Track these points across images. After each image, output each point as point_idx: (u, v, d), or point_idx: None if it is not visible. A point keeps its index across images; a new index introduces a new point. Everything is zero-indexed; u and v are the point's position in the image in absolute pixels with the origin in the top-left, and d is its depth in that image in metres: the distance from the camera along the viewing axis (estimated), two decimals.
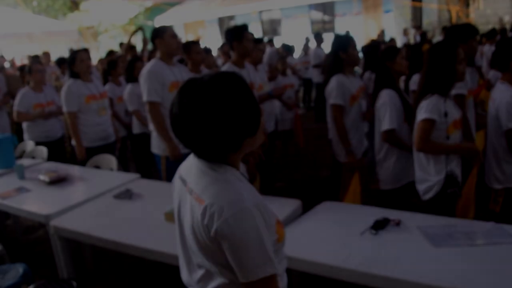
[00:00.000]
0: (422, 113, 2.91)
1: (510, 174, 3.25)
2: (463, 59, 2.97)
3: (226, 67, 4.20)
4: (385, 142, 3.58)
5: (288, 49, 10.36)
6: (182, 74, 4.07)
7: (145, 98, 3.91)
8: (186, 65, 4.74)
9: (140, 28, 7.54)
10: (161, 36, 3.95)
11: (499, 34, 9.83)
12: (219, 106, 1.30)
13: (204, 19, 24.62)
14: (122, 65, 6.26)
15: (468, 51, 3.80)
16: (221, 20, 24.04)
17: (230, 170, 1.41)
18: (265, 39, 10.03)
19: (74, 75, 4.71)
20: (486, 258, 2.29)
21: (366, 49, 5.82)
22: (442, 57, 2.93)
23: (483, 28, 16.63)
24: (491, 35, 9.59)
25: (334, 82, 3.86)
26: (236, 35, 4.15)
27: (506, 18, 19.66)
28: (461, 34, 3.88)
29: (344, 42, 3.94)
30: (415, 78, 4.34)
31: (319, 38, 10.12)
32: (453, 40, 3.75)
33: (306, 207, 3.13)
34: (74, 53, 4.76)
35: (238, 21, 22.41)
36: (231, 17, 23.38)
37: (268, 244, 1.32)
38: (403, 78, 4.48)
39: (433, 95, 2.91)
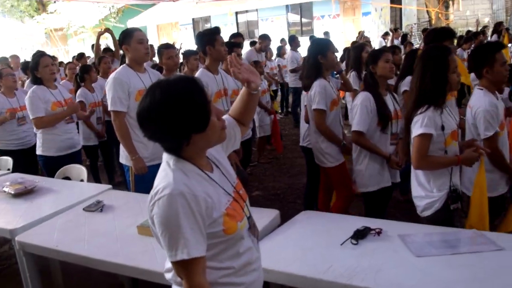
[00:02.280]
0: (417, 127, 2.78)
1: (489, 182, 3.14)
2: (456, 67, 2.84)
3: (199, 73, 4.07)
4: (354, 143, 3.63)
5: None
6: (153, 80, 3.90)
7: (109, 107, 3.76)
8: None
9: (107, 30, 7.32)
10: (128, 42, 3.74)
11: (479, 35, 9.88)
12: (167, 102, 1.51)
13: (178, 21, 24.49)
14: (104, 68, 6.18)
15: None
16: (195, 22, 23.94)
17: (182, 163, 1.60)
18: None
19: (37, 81, 4.50)
20: (469, 267, 2.24)
21: (351, 50, 5.97)
22: (433, 66, 2.79)
23: (463, 30, 16.91)
24: (467, 38, 9.66)
25: (317, 87, 3.81)
26: (208, 40, 3.99)
27: (486, 20, 20.04)
28: (437, 36, 3.92)
29: (323, 46, 3.90)
30: (408, 80, 4.31)
31: (294, 42, 9.97)
32: (429, 42, 3.76)
33: (285, 216, 3.05)
34: (36, 58, 4.54)
35: (214, 23, 22.36)
36: (206, 19, 23.30)
37: (187, 232, 1.48)
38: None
39: (429, 108, 2.78)
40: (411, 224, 2.79)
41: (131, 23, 24.17)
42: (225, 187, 1.69)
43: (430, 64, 2.80)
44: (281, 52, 11.08)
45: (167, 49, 4.72)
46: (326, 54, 3.84)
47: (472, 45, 9.24)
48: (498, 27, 11.01)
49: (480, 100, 3.12)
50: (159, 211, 1.50)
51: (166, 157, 1.65)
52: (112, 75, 3.79)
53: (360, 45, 5.85)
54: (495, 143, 3.09)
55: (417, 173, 2.95)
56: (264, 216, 2.91)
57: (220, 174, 1.73)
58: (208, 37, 4.03)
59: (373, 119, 3.48)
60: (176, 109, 1.51)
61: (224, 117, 1.88)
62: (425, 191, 2.91)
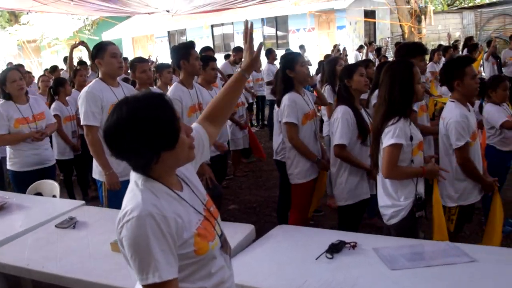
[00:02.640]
0: (389, 138, 2.86)
1: (462, 191, 3.32)
2: (420, 78, 2.99)
3: (173, 87, 4.04)
4: (336, 157, 3.61)
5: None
6: (127, 94, 3.85)
7: (82, 121, 3.71)
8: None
9: (81, 43, 7.22)
10: (101, 56, 3.70)
11: (449, 49, 10.08)
12: (134, 119, 1.47)
13: (153, 34, 24.41)
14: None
15: None
16: (171, 35, 23.89)
17: (150, 182, 1.56)
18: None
19: (6, 96, 4.38)
20: (442, 279, 2.26)
21: (326, 64, 5.87)
22: (400, 78, 2.90)
23: (435, 43, 17.25)
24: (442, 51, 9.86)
25: (286, 100, 3.78)
26: (183, 54, 3.96)
27: (457, 34, 20.47)
28: (410, 52, 3.98)
29: (290, 60, 3.87)
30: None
31: (271, 55, 10.03)
32: (402, 57, 3.84)
33: (262, 230, 3.04)
34: (4, 73, 4.42)
35: (189, 36, 22.34)
36: (181, 32, 23.27)
37: (158, 254, 1.43)
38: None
39: (399, 119, 2.87)
40: (385, 237, 2.82)
41: (106, 36, 24.01)
42: (195, 206, 1.66)
43: (397, 77, 2.90)
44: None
45: (140, 63, 4.69)
46: (295, 67, 3.79)
47: (442, 59, 9.45)
48: (468, 42, 11.27)
49: (451, 112, 3.26)
50: (128, 234, 1.45)
51: (134, 177, 1.59)
52: (84, 89, 3.75)
53: (334, 58, 5.86)
54: (466, 153, 3.22)
55: (385, 183, 3.03)
56: (238, 231, 2.90)
57: (190, 192, 1.69)
58: (182, 51, 4.00)
59: (354, 132, 3.53)
60: (144, 126, 1.47)
61: (192, 126, 1.86)
62: (392, 200, 2.99)
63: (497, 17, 20.77)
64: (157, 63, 11.00)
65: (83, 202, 3.85)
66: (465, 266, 2.36)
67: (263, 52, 12.60)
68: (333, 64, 5.26)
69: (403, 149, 2.88)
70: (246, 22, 2.05)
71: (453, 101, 3.33)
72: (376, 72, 4.34)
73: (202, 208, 1.69)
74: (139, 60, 4.79)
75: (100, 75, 3.84)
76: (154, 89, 5.16)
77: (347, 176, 3.61)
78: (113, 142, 1.51)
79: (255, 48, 2.04)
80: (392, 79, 2.92)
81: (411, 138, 2.88)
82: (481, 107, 4.87)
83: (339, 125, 3.51)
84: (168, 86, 4.85)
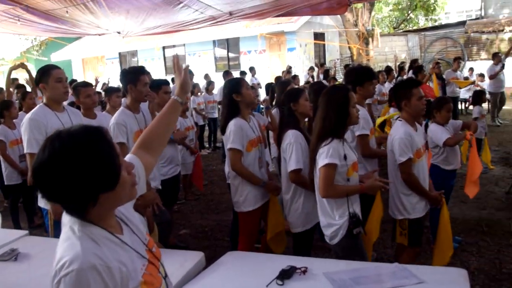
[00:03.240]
0: (323, 158, 2.95)
1: (408, 205, 3.47)
2: (355, 103, 3.11)
3: (119, 112, 3.94)
4: (292, 183, 3.56)
5: (193, 87, 10.28)
6: (72, 120, 3.72)
7: (25, 149, 3.56)
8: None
9: (21, 65, 6.95)
10: (45, 81, 3.58)
11: (391, 71, 10.45)
12: (69, 156, 1.31)
13: (104, 55, 24.05)
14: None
15: (365, 93, 3.99)
16: (122, 56, 23.62)
17: (89, 228, 1.39)
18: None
19: None
20: None
21: (277, 86, 5.67)
22: (336, 101, 3.03)
23: (382, 65, 17.77)
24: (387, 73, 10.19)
25: (232, 126, 3.70)
26: (131, 78, 3.88)
27: (403, 56, 21.20)
28: (358, 77, 4.05)
29: (236, 84, 3.82)
30: None
31: (228, 76, 10.03)
32: (351, 82, 3.92)
33: (214, 255, 2.99)
34: None
35: (141, 57, 22.15)
36: (133, 53, 23.04)
37: None
38: None
39: (332, 140, 2.98)
40: (335, 260, 2.83)
41: (55, 57, 23.51)
42: (138, 249, 1.50)
43: (333, 101, 3.04)
44: (209, 87, 11.13)
45: (84, 87, 4.56)
46: (241, 91, 3.74)
47: (386, 79, 9.80)
48: (413, 64, 11.68)
49: (397, 130, 3.46)
50: None
51: (68, 221, 1.41)
52: (27, 116, 3.62)
53: (286, 81, 5.80)
54: (409, 169, 3.39)
55: (322, 203, 3.10)
56: (188, 259, 2.85)
57: (130, 234, 1.54)
58: (131, 75, 3.92)
59: (306, 156, 3.49)
60: (81, 164, 1.31)
61: (126, 158, 1.75)
62: (329, 219, 3.07)
63: (440, 40, 21.69)
64: (108, 85, 10.83)
65: (26, 232, 3.69)
66: (414, 287, 2.39)
67: (218, 74, 12.60)
68: (285, 86, 5.05)
69: (338, 168, 2.97)
70: (174, 56, 2.10)
71: (400, 120, 3.53)
72: (309, 91, 4.35)
73: (144, 250, 1.55)
74: (83, 85, 4.65)
75: (44, 100, 3.71)
76: (101, 113, 5.05)
77: (302, 202, 3.57)
78: (43, 182, 1.34)
79: (182, 76, 2.05)
80: (327, 103, 3.06)
81: (345, 158, 2.99)
82: (426, 127, 5.02)
83: (293, 150, 3.48)
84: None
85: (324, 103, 3.08)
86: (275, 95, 5.80)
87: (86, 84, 4.67)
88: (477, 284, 3.96)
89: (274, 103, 5.62)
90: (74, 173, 1.31)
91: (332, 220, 3.05)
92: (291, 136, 3.53)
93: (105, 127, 4.22)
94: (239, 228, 3.99)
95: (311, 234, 3.71)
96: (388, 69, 10.54)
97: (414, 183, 3.43)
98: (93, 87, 4.79)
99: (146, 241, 1.60)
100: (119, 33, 10.41)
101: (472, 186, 4.64)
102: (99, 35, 10.89)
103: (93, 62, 25.05)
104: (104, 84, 12.06)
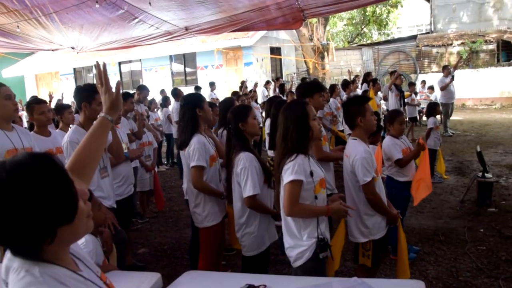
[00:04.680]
0: (288, 175, 2.81)
1: (372, 226, 3.34)
2: (315, 115, 3.01)
3: (72, 130, 3.83)
4: (248, 208, 3.40)
5: (149, 103, 10.17)
6: (22, 139, 3.60)
7: None
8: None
9: None
10: None
11: (349, 84, 10.58)
12: (18, 188, 1.13)
13: (58, 71, 23.56)
14: None
15: (316, 105, 4.01)
16: (77, 72, 23.20)
17: (49, 268, 1.21)
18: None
19: None
20: None
21: (221, 105, 5.38)
22: (294, 117, 2.91)
23: (338, 78, 18.09)
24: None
25: (195, 143, 3.65)
26: (86, 96, 3.80)
27: (357, 69, 21.65)
28: (308, 90, 4.12)
29: (199, 99, 3.83)
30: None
31: (177, 94, 9.86)
32: (301, 95, 3.94)
33: (174, 274, 2.91)
34: None
35: (96, 73, 21.76)
36: (88, 69, 22.67)
37: None
38: None
39: (298, 156, 2.85)
40: (294, 277, 2.79)
41: (7, 72, 22.87)
42: (99, 284, 1.38)
43: (291, 116, 2.92)
44: (166, 103, 11.01)
45: (38, 104, 4.41)
46: (203, 106, 3.76)
47: (342, 93, 9.92)
48: (367, 77, 11.94)
49: (356, 149, 3.30)
50: None
51: (22, 265, 1.21)
52: None
53: (229, 99, 5.48)
54: (373, 188, 3.27)
55: (288, 223, 2.95)
56: (144, 281, 2.77)
57: (86, 268, 1.39)
58: (86, 93, 3.83)
59: (260, 178, 3.39)
60: (33, 196, 1.14)
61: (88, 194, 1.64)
62: (295, 240, 2.91)
63: (393, 54, 22.32)
64: (62, 101, 10.56)
65: None
66: None
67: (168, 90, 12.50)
68: (226, 105, 4.89)
69: (304, 185, 2.82)
70: (97, 64, 1.94)
71: (355, 139, 3.40)
72: (267, 105, 4.38)
73: (101, 284, 1.42)
74: (37, 101, 4.50)
75: None
76: (56, 131, 4.90)
77: (258, 224, 3.43)
78: None
79: (114, 89, 1.94)
80: (286, 119, 2.94)
81: (312, 174, 2.85)
82: (382, 139, 5.11)
83: (249, 174, 3.31)
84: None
85: (283, 120, 2.96)
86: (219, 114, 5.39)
87: (39, 101, 4.52)
88: None
89: (218, 123, 5.32)
90: (26, 207, 1.14)
91: (299, 241, 2.89)
92: (245, 160, 3.36)
93: (59, 145, 4.05)
94: (201, 245, 3.93)
95: (266, 255, 3.57)
96: (345, 82, 10.68)
97: (378, 202, 3.31)
98: (47, 104, 4.64)
99: (99, 274, 1.47)
100: (73, 48, 10.21)
101: (418, 191, 4.54)
102: (53, 50, 10.64)
103: (47, 78, 24.51)
104: (59, 100, 11.75)
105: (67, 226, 1.22)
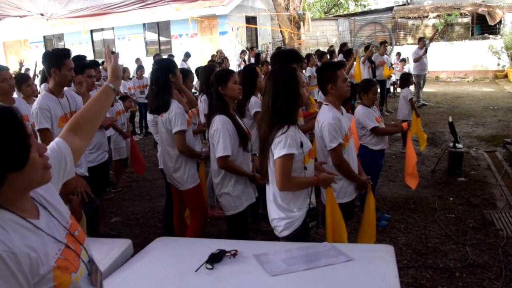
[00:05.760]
0: (280, 148, 2.73)
1: (339, 190, 3.42)
2: (304, 82, 2.95)
3: (41, 97, 3.73)
4: (220, 168, 3.49)
5: (122, 71, 9.94)
6: None
7: None
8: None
9: None
10: None
11: (325, 54, 10.57)
12: None
13: (27, 39, 22.90)
14: None
15: None
16: (47, 40, 22.58)
17: None
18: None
19: None
20: (322, 280, 2.30)
21: (201, 71, 5.32)
22: (284, 83, 2.80)
23: (314, 48, 18.02)
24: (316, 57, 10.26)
25: (176, 108, 3.69)
26: (55, 61, 3.68)
27: (333, 40, 21.59)
28: (283, 59, 4.04)
29: (172, 65, 3.84)
30: (254, 100, 4.36)
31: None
32: (278, 64, 3.87)
33: (147, 242, 2.90)
34: None
35: (67, 41, 21.28)
36: (59, 37, 22.09)
37: None
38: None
39: (289, 127, 2.77)
40: (265, 242, 2.82)
41: None
42: (54, 234, 1.45)
43: (280, 83, 2.80)
44: (138, 72, 10.82)
45: (0, 71, 4.27)
46: (176, 72, 3.79)
47: (318, 63, 9.87)
48: (343, 47, 11.91)
49: (325, 115, 3.34)
50: None
51: None
52: None
53: (210, 66, 5.50)
54: (339, 154, 3.32)
55: (275, 195, 2.91)
56: (115, 247, 2.76)
57: (48, 218, 1.48)
58: (55, 58, 3.71)
59: (235, 141, 3.45)
60: None
61: (53, 142, 1.71)
62: (285, 211, 2.89)
63: (369, 25, 22.30)
64: (37, 68, 10.25)
65: None
66: (342, 265, 2.42)
67: (149, 59, 12.26)
68: (208, 71, 4.84)
69: (295, 157, 2.78)
70: (106, 47, 2.14)
71: (327, 105, 3.43)
72: (242, 77, 4.33)
73: (64, 234, 1.50)
74: None
75: None
76: (19, 99, 4.76)
77: (233, 185, 3.52)
78: None
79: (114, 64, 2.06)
80: (276, 86, 2.80)
81: (301, 145, 2.81)
82: (353, 108, 5.12)
83: (220, 136, 3.40)
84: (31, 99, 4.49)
85: (271, 86, 2.82)
86: (199, 81, 5.56)
87: (1, 68, 4.35)
88: (404, 259, 4.11)
89: (200, 88, 5.41)
90: None
91: (289, 213, 2.88)
92: (218, 122, 3.43)
93: (25, 113, 3.98)
94: (188, 206, 4.05)
95: (244, 216, 3.66)
96: (320, 53, 10.65)
97: (345, 168, 3.37)
98: (9, 71, 4.47)
99: (68, 225, 1.55)
100: (42, 15, 9.93)
101: (411, 177, 4.77)
102: (21, 16, 10.33)
103: (16, 45, 23.85)
104: (27, 69, 11.42)
105: (18, 173, 1.34)
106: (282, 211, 2.90)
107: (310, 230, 2.97)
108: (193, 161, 3.93)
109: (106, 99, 1.95)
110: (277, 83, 2.81)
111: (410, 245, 4.39)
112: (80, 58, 4.94)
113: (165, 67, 3.80)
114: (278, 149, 2.73)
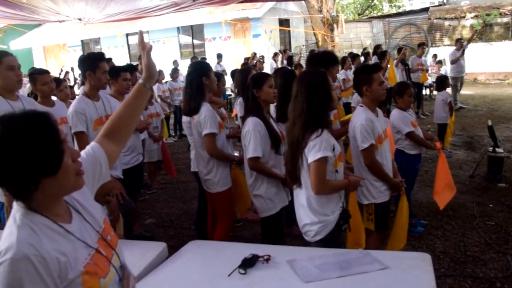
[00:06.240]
0: (315, 152, 2.75)
1: (373, 190, 3.45)
2: (333, 85, 3.01)
3: (77, 100, 3.82)
4: (251, 170, 3.53)
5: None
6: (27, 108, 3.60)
7: None
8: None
9: None
10: None
11: (357, 57, 10.46)
12: (8, 139, 1.29)
13: (66, 43, 23.44)
14: None
15: (331, 77, 3.97)
16: (85, 44, 23.08)
17: (30, 216, 1.36)
18: None
19: None
20: None
21: (237, 74, 5.39)
22: (317, 86, 2.82)
23: (347, 51, 17.88)
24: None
25: (206, 111, 3.70)
26: (89, 65, 3.77)
27: (368, 42, 21.36)
28: (323, 61, 4.02)
29: (206, 68, 3.85)
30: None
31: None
32: (315, 67, 3.87)
33: (180, 244, 2.92)
34: None
35: (104, 45, 21.69)
36: (95, 41, 22.55)
37: None
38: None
39: (323, 131, 2.79)
40: (299, 248, 2.79)
41: (14, 44, 22.78)
42: (86, 239, 1.46)
43: (315, 87, 2.82)
44: (174, 75, 10.94)
45: (41, 74, 4.40)
46: (210, 75, 3.79)
47: (352, 67, 9.79)
48: (377, 49, 11.77)
49: (358, 116, 3.40)
50: (0, 279, 1.24)
51: (14, 209, 1.38)
52: None
53: (246, 68, 5.56)
54: (371, 155, 3.36)
55: (310, 199, 2.91)
56: (150, 250, 2.78)
57: (80, 222, 1.49)
58: (90, 62, 3.82)
59: (267, 143, 3.47)
60: (20, 148, 1.28)
61: (88, 146, 1.71)
62: (319, 215, 2.89)
63: (404, 26, 21.96)
64: (75, 73, 10.49)
65: None
66: (377, 273, 2.37)
67: (184, 62, 12.40)
68: (245, 74, 4.82)
69: (328, 161, 2.80)
70: (140, 31, 1.98)
71: (361, 106, 3.47)
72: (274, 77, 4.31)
73: (95, 240, 1.50)
74: (40, 72, 4.48)
75: None
76: (59, 102, 4.87)
77: (265, 187, 3.53)
78: None
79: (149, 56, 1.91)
80: (310, 89, 2.81)
81: (333, 148, 2.83)
82: (388, 112, 5.04)
83: (251, 137, 3.43)
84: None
85: (304, 89, 2.83)
86: (236, 83, 5.62)
87: (42, 71, 4.50)
88: (442, 267, 4.00)
89: (236, 91, 5.47)
90: (14, 156, 1.28)
91: (323, 217, 2.88)
92: (250, 124, 3.47)
93: (64, 115, 4.07)
94: (217, 212, 4.03)
95: (278, 219, 3.65)
96: (353, 55, 10.56)
97: (376, 169, 3.39)
98: (50, 74, 4.60)
99: (100, 229, 1.55)
100: (80, 20, 10.12)
101: (442, 195, 4.53)
102: (60, 22, 10.55)
103: (55, 50, 24.43)
104: (67, 72, 11.73)
105: (51, 178, 1.34)
106: (315, 215, 2.89)
107: (341, 234, 2.99)
108: (225, 164, 3.91)
109: (141, 100, 1.88)
110: (311, 87, 2.82)
111: (448, 253, 4.27)
112: (106, 61, 5.04)
113: (199, 70, 3.83)
114: (313, 153, 2.75)
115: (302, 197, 2.96)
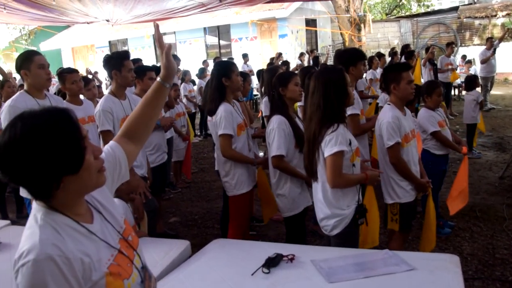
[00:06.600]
0: (331, 146, 2.79)
1: (399, 190, 3.42)
2: (349, 82, 2.99)
3: (104, 98, 3.87)
4: (274, 168, 3.51)
5: (183, 74, 10.18)
6: None
7: None
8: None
9: None
10: (27, 67, 3.50)
11: (382, 56, 10.37)
12: (29, 137, 1.25)
13: (94, 44, 23.80)
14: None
15: (358, 73, 3.95)
16: (112, 45, 23.38)
17: (52, 216, 1.33)
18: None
19: None
20: None
21: (264, 74, 5.38)
22: (334, 82, 2.86)
23: (375, 51, 17.70)
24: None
25: (222, 111, 3.64)
26: (115, 64, 3.80)
27: (395, 42, 21.11)
28: (351, 57, 4.00)
29: (227, 68, 3.78)
30: None
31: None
32: (343, 63, 3.83)
33: (204, 242, 2.92)
34: None
35: (131, 46, 21.93)
36: (123, 41, 22.82)
37: None
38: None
39: (339, 126, 2.82)
40: (323, 248, 2.77)
41: (44, 46, 23.23)
42: (108, 239, 1.43)
43: (331, 83, 2.86)
44: (203, 74, 11.00)
45: (70, 73, 4.47)
46: (231, 76, 3.70)
47: (378, 66, 9.70)
48: (405, 49, 11.58)
49: (385, 114, 3.40)
50: (23, 281, 1.20)
51: (34, 208, 1.35)
52: (7, 103, 3.54)
53: (273, 68, 5.51)
54: (397, 153, 3.33)
55: (326, 193, 2.94)
56: (173, 248, 2.79)
57: (102, 222, 1.46)
58: (115, 61, 3.84)
59: (291, 142, 3.46)
60: (41, 146, 1.24)
61: (107, 145, 1.69)
62: (334, 209, 2.92)
63: (432, 26, 21.59)
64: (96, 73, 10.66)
65: (8, 222, 3.60)
66: (404, 275, 2.33)
67: (210, 62, 12.46)
68: (272, 73, 4.69)
69: (344, 155, 2.83)
70: (155, 25, 1.87)
71: (389, 104, 3.46)
72: (300, 76, 4.27)
73: (117, 239, 1.47)
74: (69, 71, 4.56)
75: (25, 87, 3.62)
76: (87, 100, 4.93)
77: (289, 187, 3.51)
78: (5, 164, 1.26)
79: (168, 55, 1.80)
80: (326, 85, 2.85)
81: (350, 143, 2.86)
82: (416, 111, 4.97)
83: (275, 135, 3.42)
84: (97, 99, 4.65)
85: (321, 86, 2.87)
86: (263, 82, 5.65)
87: (71, 71, 4.58)
88: (470, 270, 3.91)
89: (263, 91, 5.46)
90: (35, 154, 1.24)
91: (339, 210, 2.90)
92: (275, 122, 3.47)
93: (92, 113, 4.14)
94: (230, 213, 3.97)
95: (301, 219, 3.63)
96: (380, 55, 10.44)
97: (402, 167, 3.36)
98: (79, 73, 4.68)
99: (121, 229, 1.53)
100: (108, 21, 10.26)
101: (455, 201, 4.40)
102: (88, 23, 10.73)
103: (83, 51, 24.81)
104: (96, 72, 11.88)
105: (73, 176, 1.31)
106: (330, 209, 2.92)
107: (358, 228, 2.98)
108: (243, 167, 3.81)
109: (159, 99, 1.81)
110: (327, 83, 2.87)
111: (476, 255, 4.18)
112: (136, 61, 5.10)
113: (219, 71, 3.77)
114: (330, 147, 2.79)
115: (319, 191, 3.00)
